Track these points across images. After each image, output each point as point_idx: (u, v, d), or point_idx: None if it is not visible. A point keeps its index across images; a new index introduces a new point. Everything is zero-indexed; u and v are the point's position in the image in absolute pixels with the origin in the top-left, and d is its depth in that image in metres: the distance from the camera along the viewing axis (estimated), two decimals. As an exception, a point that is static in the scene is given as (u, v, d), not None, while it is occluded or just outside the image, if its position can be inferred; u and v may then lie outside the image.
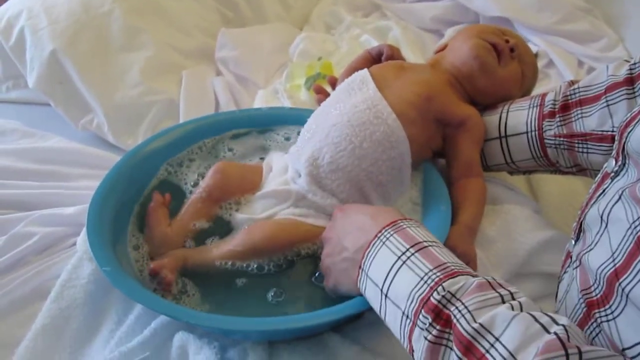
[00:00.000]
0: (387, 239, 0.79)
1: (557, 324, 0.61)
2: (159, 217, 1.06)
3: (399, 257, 0.76)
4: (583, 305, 0.71)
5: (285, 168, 1.10)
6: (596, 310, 0.67)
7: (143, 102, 1.46)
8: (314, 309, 0.90)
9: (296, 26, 1.88)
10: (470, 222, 1.02)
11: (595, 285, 0.68)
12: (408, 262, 0.75)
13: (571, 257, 0.80)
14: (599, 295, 0.67)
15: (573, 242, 0.81)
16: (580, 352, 0.57)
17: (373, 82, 1.09)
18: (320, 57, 1.56)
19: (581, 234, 0.79)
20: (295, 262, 1.00)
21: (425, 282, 0.71)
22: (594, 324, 0.68)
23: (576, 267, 0.75)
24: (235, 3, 1.77)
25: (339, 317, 0.87)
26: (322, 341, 0.92)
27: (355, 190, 1.03)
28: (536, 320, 0.62)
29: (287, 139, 1.22)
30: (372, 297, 0.80)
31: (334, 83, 1.24)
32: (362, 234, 0.84)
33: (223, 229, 1.06)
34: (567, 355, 0.57)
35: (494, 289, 0.67)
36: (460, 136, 1.10)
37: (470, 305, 0.65)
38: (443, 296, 0.68)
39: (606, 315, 0.65)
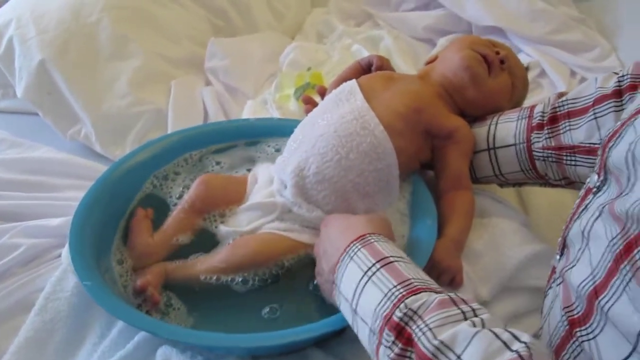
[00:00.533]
0: (355, 253, 0.79)
1: (519, 341, 0.61)
2: (141, 228, 1.06)
3: (365, 273, 0.76)
4: (565, 323, 0.70)
5: (270, 180, 1.09)
6: (577, 329, 0.66)
7: (131, 112, 1.45)
8: (303, 321, 0.89)
9: (288, 35, 1.86)
10: (457, 235, 1.01)
11: (577, 303, 0.67)
12: (374, 277, 0.75)
13: (556, 273, 0.79)
14: (580, 314, 0.66)
15: (558, 257, 0.80)
16: None
17: (361, 93, 1.09)
18: (309, 67, 1.56)
19: (565, 249, 0.78)
20: (280, 275, 0.99)
21: (389, 298, 0.71)
22: (576, 343, 0.67)
23: (559, 284, 0.74)
24: (225, 12, 1.76)
25: (320, 333, 0.87)
26: (306, 357, 0.91)
27: (341, 202, 1.02)
28: (497, 337, 0.61)
29: (278, 150, 1.21)
30: (346, 312, 0.80)
31: (323, 93, 1.23)
32: (334, 251, 0.84)
33: (206, 241, 1.05)
34: None
35: (456, 305, 0.67)
36: (449, 148, 1.09)
37: (431, 322, 0.65)
38: (405, 313, 0.67)
39: (587, 334, 0.65)
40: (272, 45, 1.72)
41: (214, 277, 0.98)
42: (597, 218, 0.68)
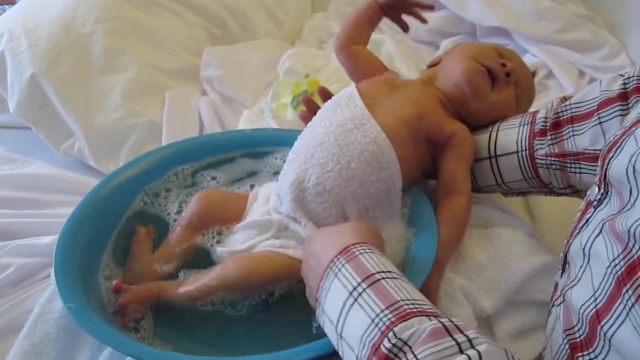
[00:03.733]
0: (339, 269, 0.74)
1: None
2: (143, 248, 1.03)
3: (351, 293, 0.71)
4: (567, 346, 0.65)
5: (268, 197, 1.05)
6: (579, 354, 0.62)
7: (124, 125, 1.43)
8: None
9: (288, 42, 1.83)
10: (439, 249, 0.95)
11: (579, 326, 0.63)
12: (359, 299, 0.70)
13: (557, 291, 0.74)
14: (582, 337, 0.62)
15: (559, 273, 0.76)
16: None
17: (360, 99, 1.04)
18: (307, 74, 1.52)
19: (566, 265, 0.73)
20: (269, 302, 0.95)
21: (377, 325, 0.66)
22: None
23: (560, 304, 0.70)
24: (223, 20, 1.73)
25: (307, 356, 0.82)
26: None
27: (341, 214, 0.98)
28: None
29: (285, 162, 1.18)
30: (330, 334, 0.75)
31: (324, 93, 1.18)
32: (319, 266, 0.79)
33: (204, 259, 1.02)
34: None
35: (450, 334, 0.61)
36: (446, 153, 1.04)
37: (422, 357, 0.60)
38: (394, 344, 0.63)
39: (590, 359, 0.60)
40: (270, 52, 1.69)
41: (208, 301, 0.94)
42: (597, 235, 0.64)
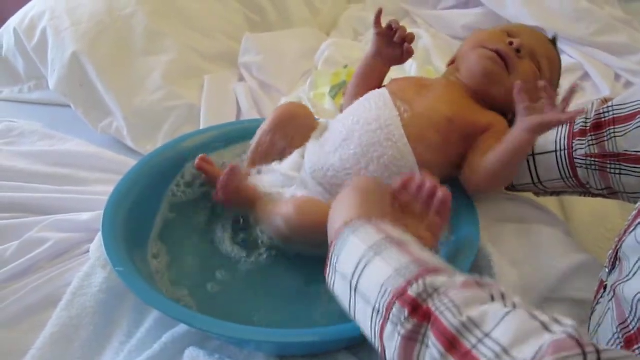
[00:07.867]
0: (357, 229, 0.72)
1: (560, 324, 0.53)
2: (236, 174, 1.07)
3: (371, 247, 0.67)
4: (619, 340, 0.66)
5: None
6: (636, 346, 0.62)
7: (163, 107, 1.44)
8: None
9: (323, 31, 1.84)
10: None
11: (632, 317, 0.64)
12: (382, 253, 0.66)
13: (605, 287, 0.75)
14: (636, 329, 0.63)
15: (607, 270, 0.76)
16: (598, 351, 0.49)
17: (391, 100, 1.05)
18: (346, 65, 1.52)
19: (617, 263, 0.74)
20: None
21: (400, 273, 0.62)
22: None
23: (611, 299, 0.71)
24: (261, 7, 1.74)
25: (354, 335, 0.82)
26: (335, 360, 0.89)
27: None
28: (534, 317, 0.54)
29: None
30: (342, 292, 0.71)
31: None
32: (333, 224, 0.78)
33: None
34: (584, 354, 0.49)
35: (482, 287, 0.60)
36: (485, 136, 1.03)
37: (456, 299, 0.57)
38: (424, 290, 0.59)
39: None
40: (308, 41, 1.70)
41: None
42: None
